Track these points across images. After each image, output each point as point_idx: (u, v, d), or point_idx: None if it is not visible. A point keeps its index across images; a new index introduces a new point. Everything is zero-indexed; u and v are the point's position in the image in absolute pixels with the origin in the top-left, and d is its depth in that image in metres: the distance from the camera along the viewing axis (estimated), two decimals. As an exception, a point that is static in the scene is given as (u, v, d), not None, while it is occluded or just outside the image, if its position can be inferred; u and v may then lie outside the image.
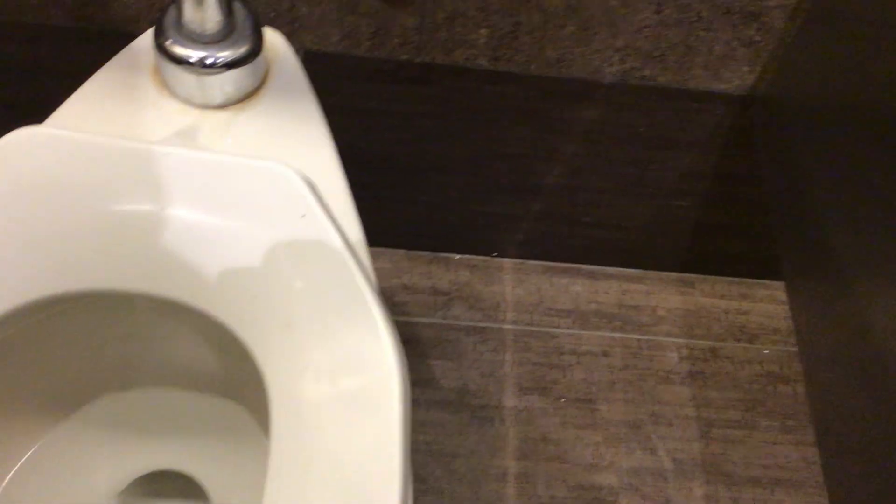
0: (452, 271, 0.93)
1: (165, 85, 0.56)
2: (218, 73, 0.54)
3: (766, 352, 0.93)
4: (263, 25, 0.56)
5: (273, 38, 0.59)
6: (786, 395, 0.90)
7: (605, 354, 0.90)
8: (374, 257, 0.93)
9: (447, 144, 0.79)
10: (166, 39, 0.53)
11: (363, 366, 0.46)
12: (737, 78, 0.73)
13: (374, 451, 0.45)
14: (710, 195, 0.85)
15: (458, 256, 0.94)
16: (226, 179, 0.51)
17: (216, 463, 0.61)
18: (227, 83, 0.55)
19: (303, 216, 0.49)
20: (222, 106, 0.56)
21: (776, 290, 0.96)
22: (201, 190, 0.50)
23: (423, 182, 0.84)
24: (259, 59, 0.55)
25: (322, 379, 0.46)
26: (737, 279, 0.96)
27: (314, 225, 0.49)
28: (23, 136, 0.50)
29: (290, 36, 0.61)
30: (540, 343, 0.90)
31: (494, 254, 0.94)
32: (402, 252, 0.93)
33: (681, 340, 0.92)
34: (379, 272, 0.91)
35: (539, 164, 0.81)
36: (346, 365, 0.47)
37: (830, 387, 0.62)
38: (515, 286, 0.93)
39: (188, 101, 0.55)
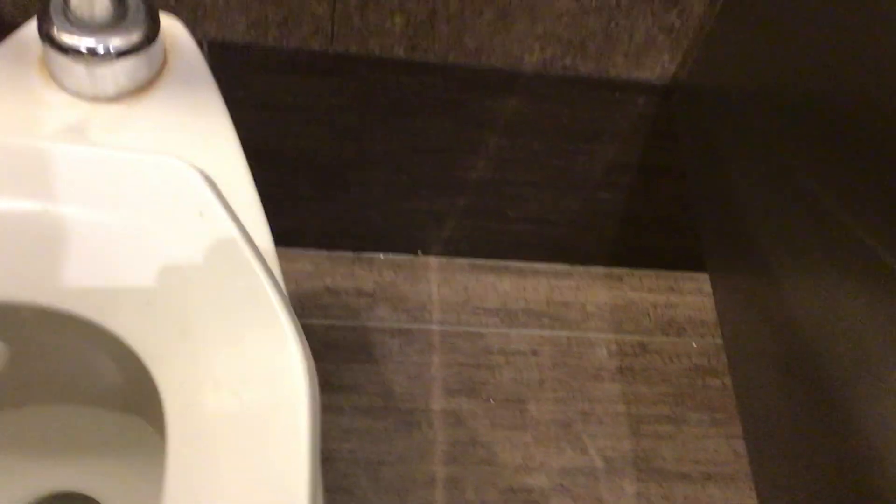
0: (376, 271, 0.90)
1: (53, 77, 0.52)
2: (109, 62, 0.50)
3: (694, 345, 0.92)
4: (160, 11, 0.52)
5: (171, 26, 0.55)
6: (715, 389, 0.90)
7: (535, 353, 0.88)
8: (294, 259, 0.90)
9: (366, 139, 0.76)
10: (52, 27, 0.49)
11: (268, 376, 0.43)
12: (658, 66, 0.72)
13: (281, 467, 0.42)
14: (635, 187, 0.84)
15: (382, 256, 0.91)
16: (117, 176, 0.47)
17: (117, 481, 0.58)
18: (119, 73, 0.51)
19: (200, 214, 0.46)
20: (115, 99, 0.52)
21: (703, 283, 0.95)
22: (90, 187, 0.47)
23: (342, 179, 0.81)
24: (155, 47, 0.52)
25: (223, 391, 0.43)
26: (664, 272, 0.96)
27: (213, 223, 0.46)
28: None
29: (193, 25, 0.57)
30: (467, 343, 0.87)
31: (419, 252, 0.91)
32: (323, 253, 0.89)
33: (610, 336, 0.91)
34: (299, 274, 0.88)
35: (462, 158, 0.79)
36: (250, 376, 0.43)
37: (755, 380, 0.61)
38: (441, 285, 0.91)
39: (78, 94, 0.52)
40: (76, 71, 0.50)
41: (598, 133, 0.78)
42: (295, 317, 0.45)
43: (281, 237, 0.50)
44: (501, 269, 0.93)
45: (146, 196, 0.47)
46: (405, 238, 0.89)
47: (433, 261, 0.92)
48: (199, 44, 0.56)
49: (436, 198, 0.84)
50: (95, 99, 0.52)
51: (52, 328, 0.52)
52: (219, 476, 0.41)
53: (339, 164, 0.79)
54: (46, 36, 0.49)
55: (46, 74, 0.52)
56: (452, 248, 0.91)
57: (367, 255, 0.90)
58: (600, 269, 0.95)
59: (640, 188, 0.84)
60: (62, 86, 0.51)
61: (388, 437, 0.80)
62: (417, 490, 0.78)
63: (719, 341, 0.92)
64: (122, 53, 0.50)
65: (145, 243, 0.46)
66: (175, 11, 0.58)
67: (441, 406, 0.83)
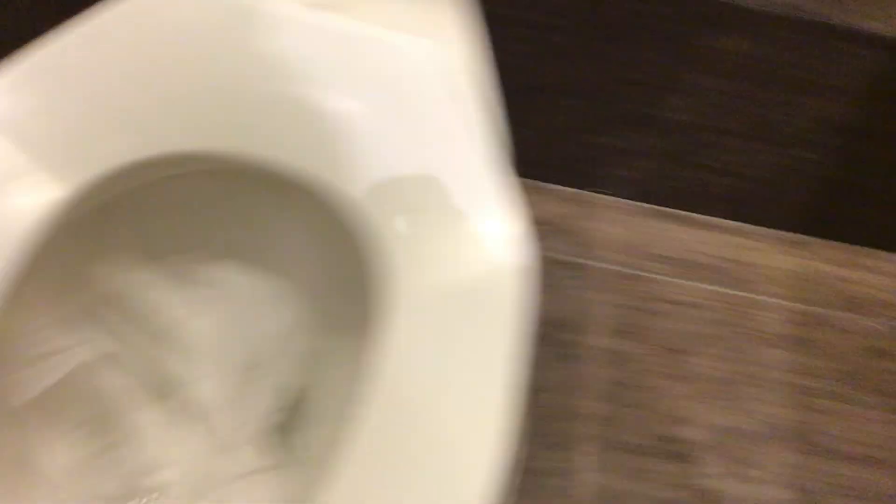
0: (555, 203, 0.89)
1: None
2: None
3: (869, 324, 0.87)
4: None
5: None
6: (885, 372, 0.85)
7: (704, 307, 0.86)
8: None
9: (573, 63, 0.75)
10: None
11: (488, 259, 0.44)
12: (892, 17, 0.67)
13: (491, 346, 0.42)
14: (845, 150, 0.79)
15: (562, 188, 0.90)
16: (377, 53, 0.48)
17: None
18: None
19: (451, 97, 0.46)
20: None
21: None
22: (350, 62, 0.48)
23: (538, 102, 0.80)
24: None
25: (447, 268, 0.44)
26: (857, 247, 0.90)
27: (464, 108, 0.46)
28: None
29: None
30: (638, 286, 0.86)
31: (601, 189, 0.90)
32: (503, 177, 0.89)
33: (785, 303, 0.87)
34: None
35: (666, 96, 0.77)
36: (471, 259, 0.44)
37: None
38: (618, 225, 0.89)
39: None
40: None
41: (816, 85, 0.74)
42: (523, 208, 0.45)
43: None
44: (682, 219, 0.90)
45: (404, 74, 0.47)
46: (589, 173, 0.88)
47: (613, 201, 0.90)
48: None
49: (629, 135, 0.82)
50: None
51: (279, 196, 0.54)
52: (433, 352, 0.42)
53: (539, 84, 0.78)
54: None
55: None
56: (635, 191, 0.89)
57: (548, 186, 0.89)
58: (785, 234, 0.91)
59: (850, 152, 0.80)
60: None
61: (548, 366, 0.80)
62: (571, 421, 0.78)
63: (903, 326, 0.87)
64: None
65: (395, 121, 0.47)
66: None
67: (603, 344, 0.82)
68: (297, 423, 0.60)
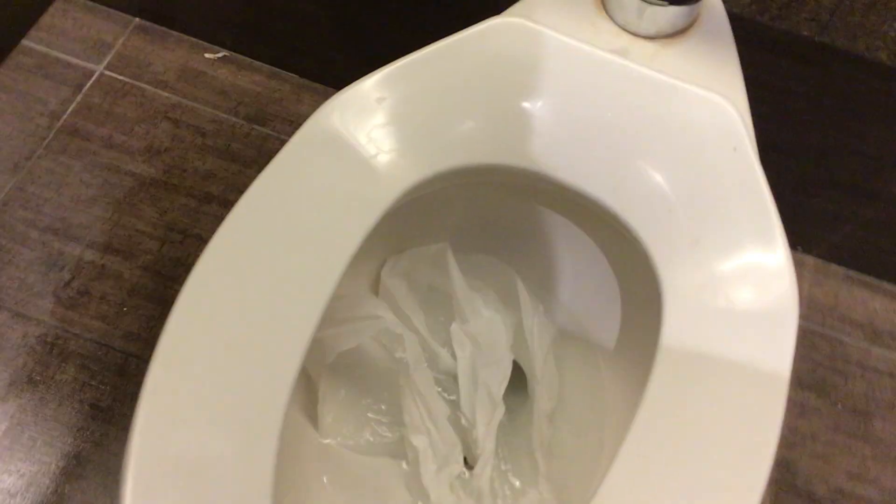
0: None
1: (606, 8, 0.61)
2: (661, 5, 0.58)
3: None
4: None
5: (707, -10, 0.62)
6: None
7: (893, 375, 0.89)
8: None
9: (802, 126, 0.80)
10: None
11: (760, 287, 0.50)
12: None
13: (762, 368, 0.48)
14: None
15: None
16: (668, 100, 0.55)
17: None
18: (664, 18, 0.59)
19: (734, 149, 0.53)
20: (651, 37, 0.60)
21: None
22: (645, 106, 0.55)
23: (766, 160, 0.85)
24: (699, 2, 0.59)
25: (719, 295, 0.50)
26: None
27: (744, 160, 0.53)
28: (504, 23, 0.56)
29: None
30: (827, 346, 0.90)
31: (798, 248, 0.94)
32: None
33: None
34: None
35: (889, 170, 0.81)
36: (745, 283, 0.50)
37: None
38: (813, 285, 0.93)
39: (624, 27, 0.60)
40: (628, 6, 0.59)
41: None
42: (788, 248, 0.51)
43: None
44: (876, 288, 0.94)
45: (690, 123, 0.55)
46: (793, 231, 0.92)
47: (810, 260, 0.94)
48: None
49: (843, 200, 0.86)
50: (636, 34, 0.60)
51: (563, 211, 0.62)
52: (705, 371, 0.49)
53: (763, 143, 0.84)
54: (613, -26, 0.58)
55: (600, 5, 0.61)
56: (835, 254, 0.93)
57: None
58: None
59: None
60: (611, 16, 0.61)
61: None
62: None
63: None
64: (673, 1, 0.58)
65: (680, 162, 0.54)
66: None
67: (790, 395, 0.86)
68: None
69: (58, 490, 0.74)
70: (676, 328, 0.49)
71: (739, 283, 0.50)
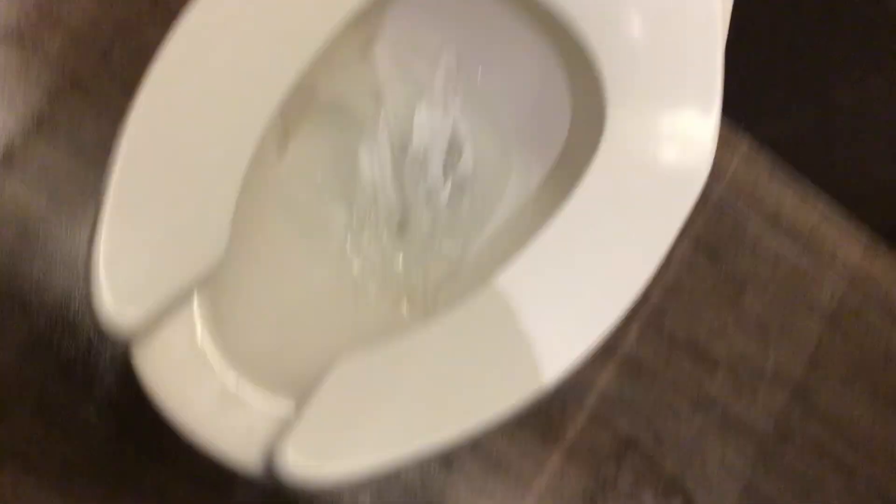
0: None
1: None
2: None
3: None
4: None
5: None
6: (890, 378, 1.00)
7: (776, 262, 1.00)
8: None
9: (781, 13, 0.84)
10: None
11: (685, 149, 0.57)
12: None
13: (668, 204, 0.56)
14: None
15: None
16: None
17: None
18: None
19: (706, 19, 0.58)
20: None
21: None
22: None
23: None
24: None
25: (649, 145, 0.57)
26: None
27: (709, 31, 0.58)
28: None
29: None
30: (732, 221, 1.00)
31: (742, 127, 1.01)
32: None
33: (839, 288, 1.01)
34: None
35: (845, 80, 0.87)
36: (672, 141, 0.57)
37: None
38: (741, 165, 1.01)
39: None
40: None
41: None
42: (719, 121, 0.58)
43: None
44: (796, 185, 1.03)
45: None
46: (744, 111, 0.98)
47: (747, 143, 1.02)
48: None
49: (796, 96, 0.92)
50: None
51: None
52: (621, 199, 0.56)
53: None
54: None
55: None
56: (772, 144, 1.00)
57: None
58: (871, 234, 1.03)
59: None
60: None
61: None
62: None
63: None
64: None
65: (661, 15, 0.58)
66: None
67: (683, 251, 0.97)
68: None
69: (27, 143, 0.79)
70: (604, 163, 0.56)
71: (668, 140, 0.57)
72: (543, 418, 0.87)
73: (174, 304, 0.46)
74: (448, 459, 0.83)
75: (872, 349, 1.00)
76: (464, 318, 0.51)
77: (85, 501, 0.73)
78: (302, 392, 0.46)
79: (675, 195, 0.56)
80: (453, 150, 0.71)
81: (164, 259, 0.46)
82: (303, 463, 0.43)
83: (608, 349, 0.91)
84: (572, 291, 0.54)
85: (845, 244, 1.03)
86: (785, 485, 0.92)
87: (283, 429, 0.44)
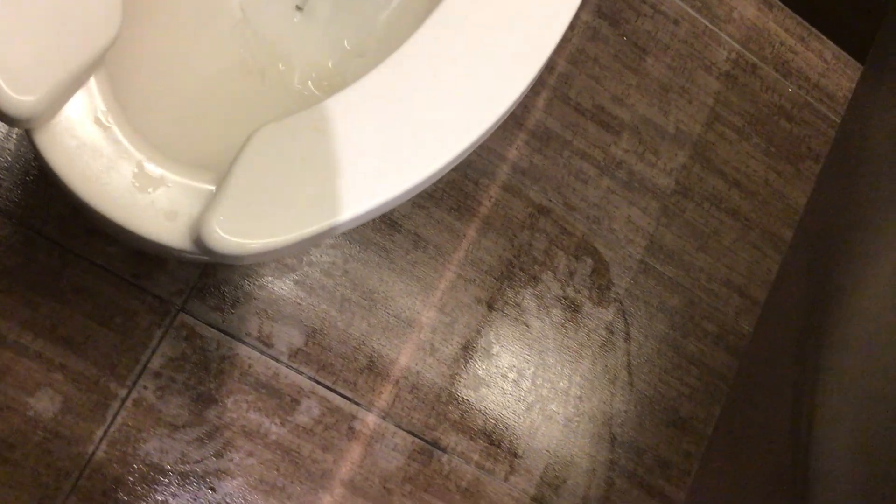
0: None
1: None
2: None
3: (790, 90, 1.06)
4: None
5: None
6: (781, 129, 1.05)
7: (675, 22, 1.01)
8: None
9: None
10: None
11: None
12: None
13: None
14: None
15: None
16: None
17: None
18: None
19: None
20: None
21: (832, 54, 1.07)
22: None
23: None
24: None
25: None
26: (816, 30, 1.06)
27: None
28: None
29: None
30: (632, -18, 0.99)
31: None
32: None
33: (736, 45, 1.04)
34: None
35: None
36: None
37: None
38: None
39: None
40: None
41: None
42: None
43: None
44: (692, -60, 1.02)
45: None
46: None
47: None
48: None
49: None
50: None
51: None
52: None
53: None
54: None
55: None
56: None
57: None
58: (765, -11, 1.05)
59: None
60: None
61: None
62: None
63: (810, 99, 1.06)
64: None
65: None
66: None
67: (585, 18, 0.96)
68: None
69: None
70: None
71: None
72: (458, 195, 0.89)
73: (72, 88, 0.44)
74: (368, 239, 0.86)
75: (767, 103, 1.05)
76: (373, 90, 0.51)
77: (5, 316, 0.73)
78: (218, 168, 0.46)
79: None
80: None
81: (56, 41, 0.43)
82: (232, 229, 0.43)
83: (517, 121, 0.92)
84: (480, 62, 0.54)
85: (742, 3, 1.05)
86: (686, 236, 0.99)
87: (207, 200, 0.44)
